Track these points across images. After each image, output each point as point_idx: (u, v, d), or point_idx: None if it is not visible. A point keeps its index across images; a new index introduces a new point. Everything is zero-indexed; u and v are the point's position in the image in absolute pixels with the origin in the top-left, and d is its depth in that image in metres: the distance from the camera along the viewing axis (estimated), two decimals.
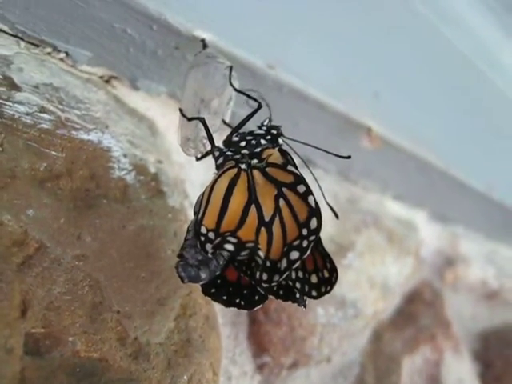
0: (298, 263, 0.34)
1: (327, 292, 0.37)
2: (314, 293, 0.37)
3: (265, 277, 0.34)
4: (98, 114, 0.46)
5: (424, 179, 0.78)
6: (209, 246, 0.34)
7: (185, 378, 0.41)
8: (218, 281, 0.37)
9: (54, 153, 0.41)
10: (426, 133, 0.70)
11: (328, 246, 0.38)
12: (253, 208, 0.35)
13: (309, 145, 0.41)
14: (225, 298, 0.38)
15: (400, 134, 0.68)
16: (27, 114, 0.40)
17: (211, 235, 0.34)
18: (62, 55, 0.46)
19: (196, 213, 0.36)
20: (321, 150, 0.40)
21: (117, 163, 0.45)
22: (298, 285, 0.37)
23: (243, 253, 0.33)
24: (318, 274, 0.37)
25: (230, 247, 0.33)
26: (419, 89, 0.66)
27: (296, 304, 0.36)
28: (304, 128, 0.60)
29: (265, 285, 0.34)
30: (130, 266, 0.42)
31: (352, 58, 0.58)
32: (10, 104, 0.39)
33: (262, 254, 0.33)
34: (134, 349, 0.39)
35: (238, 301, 0.38)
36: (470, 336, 0.96)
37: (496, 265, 1.02)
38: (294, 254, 0.33)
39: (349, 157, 0.38)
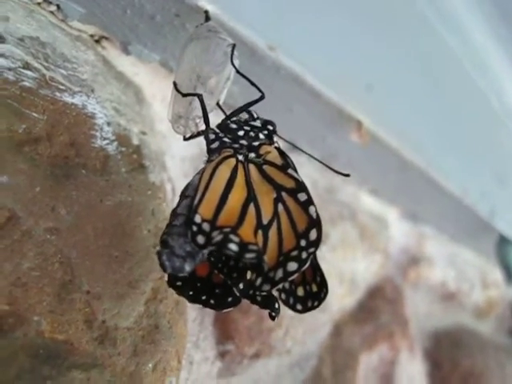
0: (295, 275, 0.31)
1: (314, 307, 0.35)
2: (299, 306, 0.35)
3: (257, 283, 0.31)
4: (84, 76, 0.43)
5: (402, 177, 0.77)
6: (201, 238, 0.30)
7: (150, 366, 0.39)
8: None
9: (34, 114, 0.37)
10: (412, 131, 0.69)
11: None
12: (251, 206, 0.32)
13: (311, 155, 0.39)
14: (191, 293, 0.35)
15: (387, 130, 0.67)
16: (9, 69, 0.36)
17: (205, 226, 0.30)
18: (53, 8, 0.42)
19: (185, 196, 0.33)
20: (323, 164, 0.38)
21: (99, 131, 0.42)
22: (283, 296, 0.35)
23: (248, 255, 0.29)
24: (306, 287, 0.35)
25: (234, 247, 0.29)
26: (412, 88, 0.65)
27: (270, 313, 0.33)
28: (297, 114, 0.58)
29: (252, 291, 0.32)
30: (104, 244, 0.39)
31: (350, 48, 0.57)
32: None
33: (266, 259, 0.31)
34: (101, 332, 0.37)
35: (204, 298, 0.35)
36: (423, 334, 0.98)
37: (457, 268, 1.04)
38: (292, 266, 0.31)
39: (348, 175, 0.36)
